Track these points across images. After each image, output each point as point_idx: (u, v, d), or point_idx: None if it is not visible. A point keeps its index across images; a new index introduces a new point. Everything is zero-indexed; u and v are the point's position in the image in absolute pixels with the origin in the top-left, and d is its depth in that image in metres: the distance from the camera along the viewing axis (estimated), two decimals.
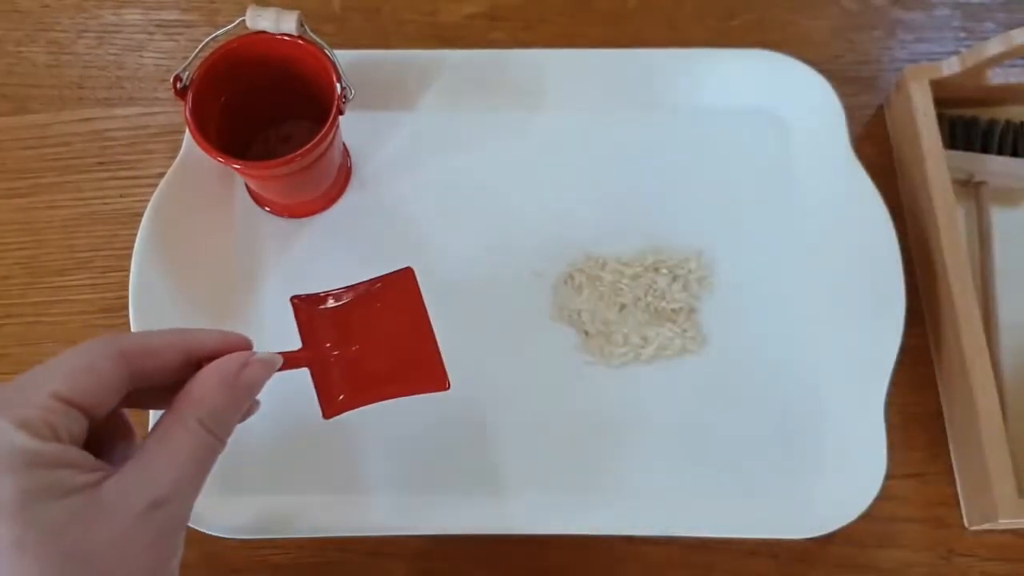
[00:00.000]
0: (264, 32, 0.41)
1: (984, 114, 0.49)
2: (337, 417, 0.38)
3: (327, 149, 0.42)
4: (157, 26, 0.53)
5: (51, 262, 0.47)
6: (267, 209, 0.47)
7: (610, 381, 0.43)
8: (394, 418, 0.42)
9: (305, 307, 0.37)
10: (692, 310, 0.45)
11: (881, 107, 0.51)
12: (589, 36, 0.53)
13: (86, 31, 0.53)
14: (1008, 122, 0.48)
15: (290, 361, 0.34)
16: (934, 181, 0.45)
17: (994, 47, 0.44)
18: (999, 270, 0.46)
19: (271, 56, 0.42)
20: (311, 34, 0.41)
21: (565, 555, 0.42)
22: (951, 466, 0.43)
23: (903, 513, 0.42)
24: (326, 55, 0.41)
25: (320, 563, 0.42)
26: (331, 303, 0.38)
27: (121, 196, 0.49)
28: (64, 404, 0.26)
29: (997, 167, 0.47)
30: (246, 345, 0.31)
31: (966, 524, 0.42)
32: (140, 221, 0.43)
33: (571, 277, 0.45)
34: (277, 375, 0.32)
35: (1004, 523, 0.39)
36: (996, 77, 0.47)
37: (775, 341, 0.44)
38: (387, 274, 0.38)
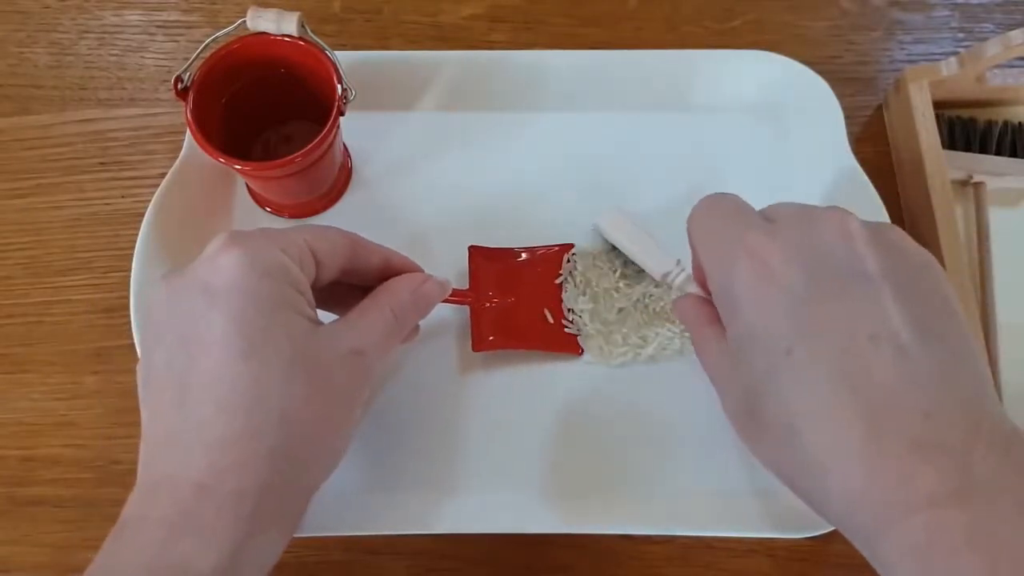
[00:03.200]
0: (265, 33, 0.41)
1: (982, 115, 0.49)
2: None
3: (328, 150, 0.42)
4: (158, 27, 0.53)
5: (53, 262, 0.47)
6: (268, 210, 0.47)
7: (610, 381, 0.44)
8: (394, 418, 0.43)
9: (478, 256, 0.44)
10: None
11: (880, 107, 0.51)
12: (589, 37, 0.53)
13: (87, 32, 0.53)
14: (1006, 122, 0.49)
15: (456, 295, 0.41)
16: (933, 181, 0.45)
17: (992, 48, 0.44)
18: (997, 270, 0.46)
19: (272, 57, 0.42)
20: (312, 35, 0.41)
21: (565, 555, 0.42)
22: None
23: None
24: (327, 56, 0.41)
25: (320, 562, 0.42)
26: (500, 258, 0.45)
27: (123, 196, 0.49)
28: (311, 251, 0.33)
29: (995, 167, 0.47)
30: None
31: None
32: (141, 221, 0.43)
33: (571, 277, 0.45)
34: None
35: None
36: (994, 78, 0.48)
37: None
38: (551, 245, 0.45)
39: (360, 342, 0.33)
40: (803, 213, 0.32)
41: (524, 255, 0.45)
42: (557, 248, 0.45)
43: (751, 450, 0.33)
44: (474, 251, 0.44)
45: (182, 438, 0.30)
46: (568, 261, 0.45)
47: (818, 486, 0.29)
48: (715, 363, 0.34)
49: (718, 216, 0.34)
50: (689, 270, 0.40)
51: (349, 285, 0.37)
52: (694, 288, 0.39)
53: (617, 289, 0.45)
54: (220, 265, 0.31)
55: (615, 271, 0.45)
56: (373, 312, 0.35)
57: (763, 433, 0.31)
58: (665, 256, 0.42)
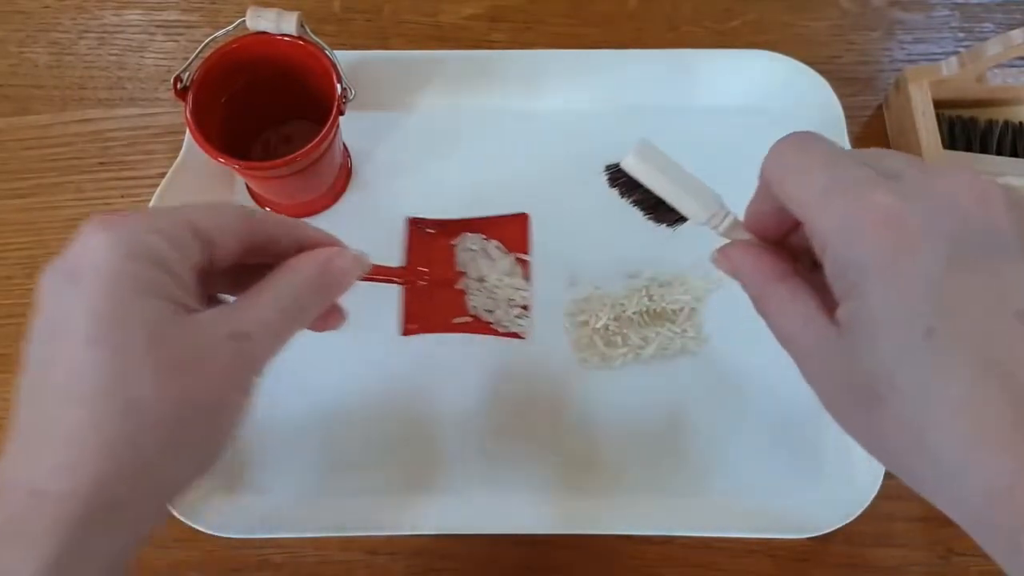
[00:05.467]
0: (264, 33, 0.41)
1: (982, 115, 0.49)
2: (335, 416, 0.38)
3: (327, 150, 0.42)
4: (158, 27, 0.53)
5: None
6: (268, 209, 0.47)
7: (611, 381, 0.44)
8: (393, 417, 0.43)
9: (416, 230, 0.40)
10: (693, 310, 0.45)
11: (880, 107, 0.51)
12: (589, 37, 0.53)
13: (87, 32, 0.53)
14: (1007, 122, 0.49)
15: (382, 272, 0.36)
16: None
17: (993, 48, 0.44)
18: None
19: (271, 57, 0.42)
20: (311, 35, 0.41)
21: (565, 555, 0.42)
22: None
23: (902, 512, 0.42)
24: (326, 56, 0.41)
25: (320, 562, 0.42)
26: (445, 231, 0.40)
27: (122, 196, 0.49)
28: (192, 230, 0.30)
29: (995, 167, 0.47)
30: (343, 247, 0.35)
31: None
32: None
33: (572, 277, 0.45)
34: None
35: None
36: (995, 78, 0.48)
37: (776, 341, 0.44)
38: (502, 215, 0.40)
39: (244, 326, 0.30)
40: (929, 170, 0.28)
41: (465, 229, 0.41)
42: (512, 217, 0.41)
43: (862, 443, 0.29)
44: (413, 224, 0.40)
45: (29, 439, 0.28)
46: (462, 250, 0.40)
47: (953, 483, 0.26)
48: (805, 339, 0.30)
49: (818, 164, 0.29)
50: (735, 214, 0.34)
51: (262, 266, 0.33)
52: (742, 235, 0.33)
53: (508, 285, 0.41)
54: (85, 247, 0.29)
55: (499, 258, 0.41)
56: (266, 293, 0.31)
57: (881, 425, 0.27)
58: (709, 194, 0.35)
